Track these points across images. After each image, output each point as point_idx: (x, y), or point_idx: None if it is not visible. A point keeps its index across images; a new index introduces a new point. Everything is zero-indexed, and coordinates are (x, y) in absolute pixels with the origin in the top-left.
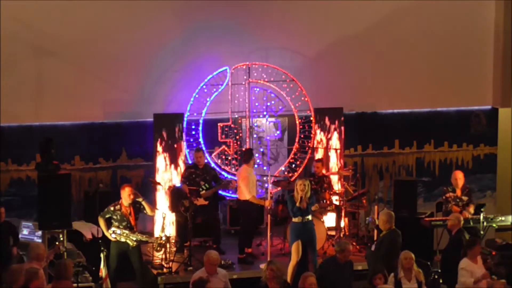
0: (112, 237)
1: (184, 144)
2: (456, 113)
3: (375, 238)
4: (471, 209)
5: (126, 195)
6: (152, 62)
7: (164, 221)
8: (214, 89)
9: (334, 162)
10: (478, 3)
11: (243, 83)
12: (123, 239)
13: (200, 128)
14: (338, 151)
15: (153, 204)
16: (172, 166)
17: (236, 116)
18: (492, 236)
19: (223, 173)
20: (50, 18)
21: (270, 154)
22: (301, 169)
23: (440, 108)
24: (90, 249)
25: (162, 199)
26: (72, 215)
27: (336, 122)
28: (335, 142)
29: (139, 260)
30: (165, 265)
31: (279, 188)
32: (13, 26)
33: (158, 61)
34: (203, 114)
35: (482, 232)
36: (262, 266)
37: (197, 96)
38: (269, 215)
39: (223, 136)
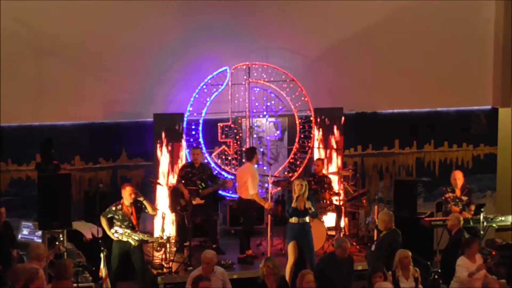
0: (114, 236)
1: (184, 144)
2: (456, 113)
3: (375, 238)
4: (471, 209)
5: (127, 195)
6: (152, 62)
7: (164, 221)
8: (214, 89)
9: (334, 162)
10: (478, 3)
11: (243, 83)
12: (125, 239)
13: (200, 128)
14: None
15: (153, 204)
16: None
17: (236, 116)
18: (492, 236)
19: (223, 173)
20: (50, 18)
21: (270, 154)
22: (301, 169)
23: (440, 108)
24: (90, 249)
25: (162, 199)
26: (72, 215)
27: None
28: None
29: (141, 260)
30: (165, 265)
31: (279, 188)
32: (13, 26)
33: (158, 61)
34: (203, 114)
35: (482, 232)
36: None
37: (197, 96)
38: (269, 215)
39: (223, 136)
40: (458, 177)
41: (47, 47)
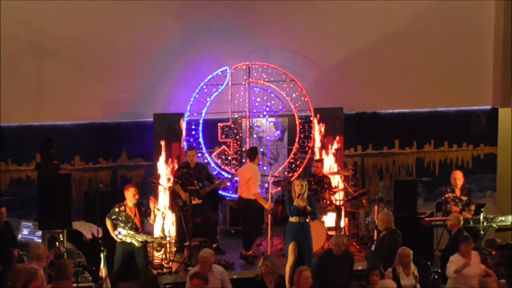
0: (118, 238)
1: (184, 144)
2: (456, 113)
3: (375, 238)
4: (471, 209)
5: (130, 196)
6: (152, 62)
7: (164, 221)
8: (214, 89)
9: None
10: (478, 3)
11: (243, 83)
12: (129, 240)
13: (200, 128)
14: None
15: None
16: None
17: (236, 116)
18: (492, 236)
19: (223, 173)
20: (50, 18)
21: (270, 154)
22: (301, 169)
23: (440, 108)
24: (90, 249)
25: (162, 199)
26: (72, 215)
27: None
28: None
29: (145, 260)
30: (165, 265)
31: (279, 188)
32: (13, 26)
33: (158, 61)
34: (203, 114)
35: (482, 232)
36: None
37: (197, 96)
38: (269, 215)
39: (223, 136)
40: (458, 177)
41: (47, 47)
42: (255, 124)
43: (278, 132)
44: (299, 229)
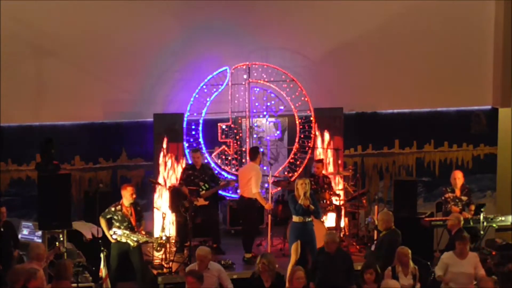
0: (113, 238)
1: (184, 144)
2: (456, 113)
3: (375, 238)
4: (471, 209)
5: (128, 195)
6: (152, 62)
7: (164, 221)
8: (214, 89)
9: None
10: (478, 3)
11: (243, 83)
12: (124, 240)
13: (200, 128)
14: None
15: (152, 203)
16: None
17: (236, 116)
18: (492, 236)
19: (223, 173)
20: (50, 18)
21: (270, 154)
22: (301, 169)
23: (440, 108)
24: (90, 249)
25: (162, 199)
26: (72, 215)
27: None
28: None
29: (140, 260)
30: (165, 265)
31: (279, 188)
32: (13, 26)
33: (158, 61)
34: (203, 114)
35: (482, 232)
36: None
37: (197, 96)
38: (269, 215)
39: (223, 136)
40: (458, 177)
41: (47, 47)
42: (255, 124)
43: (278, 132)
44: (302, 228)
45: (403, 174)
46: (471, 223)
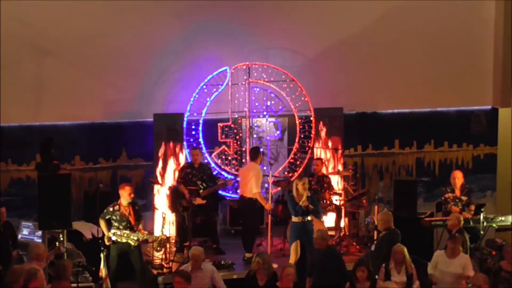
0: (112, 239)
1: (184, 144)
2: (456, 113)
3: (375, 238)
4: (471, 209)
5: (126, 194)
6: (152, 62)
7: (164, 221)
8: (214, 89)
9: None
10: (478, 3)
11: (243, 83)
12: (124, 240)
13: (200, 128)
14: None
15: (152, 204)
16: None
17: (236, 116)
18: (492, 236)
19: (223, 173)
20: (50, 18)
21: (270, 154)
22: (301, 169)
23: (440, 108)
24: (90, 249)
25: (162, 199)
26: (72, 215)
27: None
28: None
29: (140, 260)
30: (165, 265)
31: (279, 188)
32: (13, 26)
33: (158, 61)
34: (203, 114)
35: (482, 232)
36: (274, 265)
37: (197, 96)
38: (269, 215)
39: (223, 136)
40: (458, 177)
41: (47, 47)
42: (255, 124)
43: (278, 132)
44: (302, 228)
45: (403, 174)
46: (471, 223)
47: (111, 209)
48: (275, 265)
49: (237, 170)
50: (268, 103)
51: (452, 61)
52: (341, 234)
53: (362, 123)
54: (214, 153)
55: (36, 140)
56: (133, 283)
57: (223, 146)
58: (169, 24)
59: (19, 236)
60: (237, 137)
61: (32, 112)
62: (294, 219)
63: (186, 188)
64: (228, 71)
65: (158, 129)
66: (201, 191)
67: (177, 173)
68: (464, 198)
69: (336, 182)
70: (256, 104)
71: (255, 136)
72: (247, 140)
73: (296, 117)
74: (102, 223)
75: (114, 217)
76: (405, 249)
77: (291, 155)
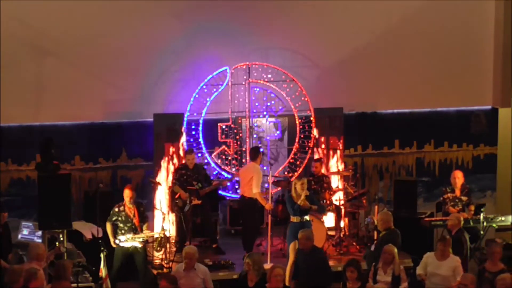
0: (115, 243)
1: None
2: (456, 113)
3: (375, 238)
4: (471, 209)
5: (126, 197)
6: (152, 62)
7: (164, 221)
8: (214, 89)
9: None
10: (478, 3)
11: (243, 83)
12: (129, 244)
13: (200, 128)
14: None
15: (152, 203)
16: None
17: (236, 116)
18: (492, 236)
19: (223, 173)
20: (50, 18)
21: (270, 154)
22: (301, 169)
23: (440, 108)
24: (90, 249)
25: (162, 199)
26: (72, 215)
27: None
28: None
29: (144, 261)
30: (165, 265)
31: (279, 188)
32: (13, 26)
33: (158, 61)
34: (203, 114)
35: (482, 232)
36: (266, 265)
37: (197, 96)
38: (269, 215)
39: (223, 136)
40: (458, 176)
41: (47, 47)
42: (255, 124)
43: (278, 132)
44: (300, 228)
45: (403, 174)
46: (471, 223)
47: (116, 209)
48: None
49: (237, 170)
50: (268, 103)
51: (452, 61)
52: (341, 234)
53: (362, 123)
54: (214, 153)
55: (36, 140)
56: (133, 283)
57: (223, 146)
58: (169, 24)
59: (19, 236)
60: (237, 137)
61: (32, 112)
62: (293, 219)
63: (182, 189)
64: (228, 71)
65: (158, 129)
66: (200, 190)
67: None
68: (464, 198)
69: (336, 183)
70: (256, 104)
71: (255, 136)
72: (247, 140)
73: (296, 117)
74: (109, 227)
75: (119, 218)
76: (395, 250)
77: (291, 155)
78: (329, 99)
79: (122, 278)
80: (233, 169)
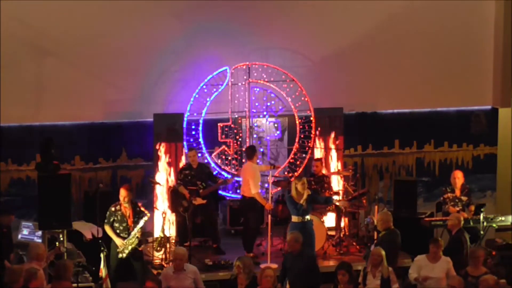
0: (122, 242)
1: (184, 144)
2: (456, 113)
3: (375, 238)
4: (471, 210)
5: (120, 195)
6: (152, 62)
7: (164, 221)
8: (214, 89)
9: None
10: (478, 3)
11: (243, 83)
12: (130, 248)
13: (200, 128)
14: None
15: (152, 204)
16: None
17: (236, 116)
18: (492, 236)
19: (223, 173)
20: (50, 18)
21: (270, 154)
22: (301, 169)
23: (440, 108)
24: (90, 249)
25: (162, 199)
26: (72, 215)
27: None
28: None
29: (141, 260)
30: (165, 265)
31: (279, 188)
32: (13, 26)
33: (158, 61)
34: (203, 114)
35: (482, 232)
36: (262, 266)
37: (197, 96)
38: (269, 215)
39: (223, 136)
40: (458, 177)
41: (47, 47)
42: (255, 124)
43: (278, 132)
44: (302, 228)
45: (403, 174)
46: (471, 223)
47: (113, 209)
48: (274, 265)
49: (237, 170)
50: (268, 103)
51: (452, 61)
52: (341, 234)
53: (362, 123)
54: (214, 153)
55: (36, 140)
56: (133, 283)
57: (223, 146)
58: (169, 24)
59: (19, 236)
60: (237, 137)
61: (32, 112)
62: (294, 219)
63: (185, 189)
64: (228, 71)
65: (158, 129)
66: (201, 190)
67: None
68: (464, 198)
69: (337, 184)
70: (256, 104)
71: (255, 136)
72: (247, 140)
73: (296, 117)
74: (109, 230)
75: (115, 218)
76: (383, 253)
77: (291, 155)
78: (329, 99)
79: (122, 278)
80: (233, 169)
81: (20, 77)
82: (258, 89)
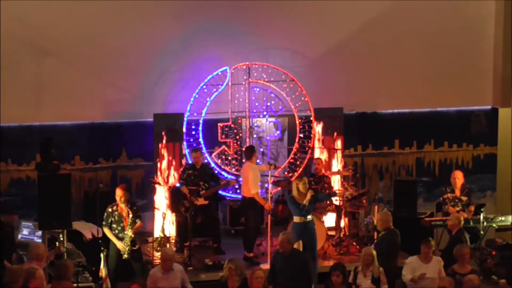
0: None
1: (184, 144)
2: (456, 113)
3: (375, 238)
4: (471, 210)
5: (116, 195)
6: (152, 62)
7: (164, 221)
8: (214, 89)
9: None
10: (478, 3)
11: (243, 83)
12: (128, 249)
13: (200, 128)
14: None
15: (152, 203)
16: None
17: (236, 116)
18: (492, 236)
19: (223, 173)
20: (50, 18)
21: (270, 154)
22: (301, 169)
23: (440, 108)
24: (90, 249)
25: (162, 199)
26: (72, 215)
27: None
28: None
29: (140, 260)
30: None
31: (279, 188)
32: (13, 26)
33: (158, 61)
34: (203, 114)
35: (482, 232)
36: (262, 266)
37: (197, 96)
38: (269, 215)
39: (223, 136)
40: (458, 177)
41: (47, 47)
42: (255, 124)
43: (278, 132)
44: (303, 228)
45: (403, 174)
46: (471, 223)
47: (110, 209)
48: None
49: (237, 170)
50: (268, 103)
51: (452, 61)
52: (341, 234)
53: (362, 123)
54: (214, 153)
55: (36, 140)
56: (132, 283)
57: (223, 146)
58: (169, 24)
59: (19, 236)
60: (237, 137)
61: (32, 112)
62: (296, 219)
63: (188, 189)
64: (228, 71)
65: (158, 129)
66: (202, 191)
67: (178, 174)
68: (464, 198)
69: (337, 182)
70: (256, 104)
71: (255, 136)
72: (247, 140)
73: (296, 117)
74: (108, 231)
75: (113, 219)
76: (374, 252)
77: (291, 155)
78: (329, 99)
79: (122, 278)
80: (233, 169)
81: (20, 77)
82: (258, 89)
